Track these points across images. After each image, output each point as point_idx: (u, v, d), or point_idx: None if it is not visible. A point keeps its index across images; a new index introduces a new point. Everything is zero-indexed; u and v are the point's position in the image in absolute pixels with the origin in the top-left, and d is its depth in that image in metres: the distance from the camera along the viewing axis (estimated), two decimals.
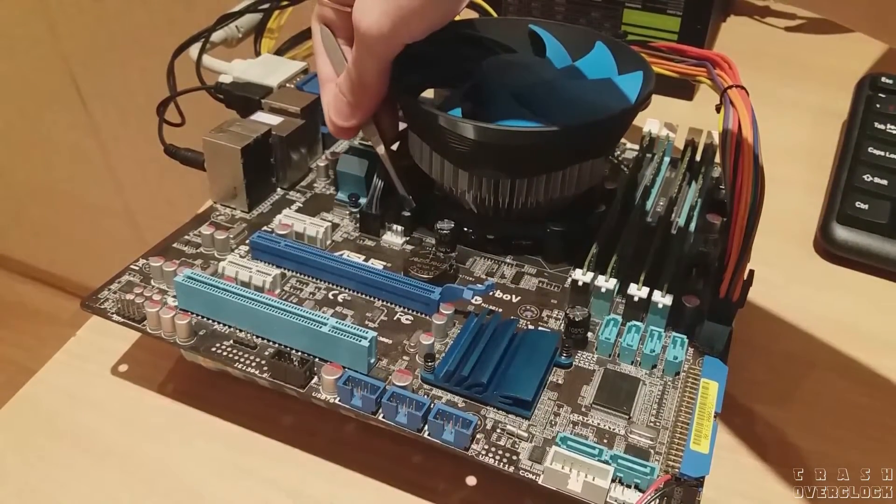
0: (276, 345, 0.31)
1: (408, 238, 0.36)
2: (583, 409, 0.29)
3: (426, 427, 0.27)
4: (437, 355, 0.30)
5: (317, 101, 0.40)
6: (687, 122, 0.42)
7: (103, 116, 1.08)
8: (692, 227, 0.35)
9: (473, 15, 0.44)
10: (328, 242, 0.36)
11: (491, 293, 0.34)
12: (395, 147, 0.36)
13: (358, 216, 0.37)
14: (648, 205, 0.37)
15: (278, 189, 0.40)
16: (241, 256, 0.35)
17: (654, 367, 0.31)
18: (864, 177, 0.43)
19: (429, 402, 0.28)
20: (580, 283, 0.32)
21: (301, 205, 0.39)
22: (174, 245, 0.36)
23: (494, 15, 0.44)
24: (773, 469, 0.31)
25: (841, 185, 0.43)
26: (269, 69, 0.43)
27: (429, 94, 0.41)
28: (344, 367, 0.29)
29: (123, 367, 0.34)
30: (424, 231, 0.37)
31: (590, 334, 0.32)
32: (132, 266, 0.34)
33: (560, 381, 0.30)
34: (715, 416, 0.28)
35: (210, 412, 0.32)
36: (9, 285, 1.36)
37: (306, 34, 0.43)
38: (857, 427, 0.32)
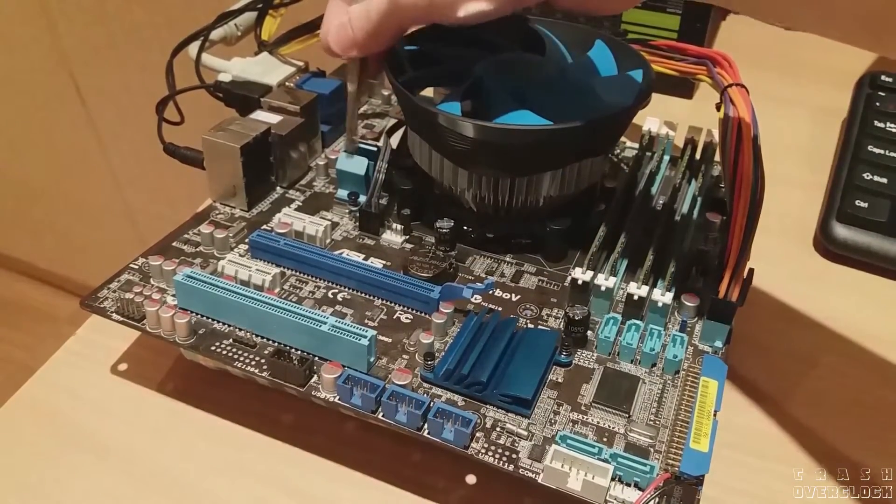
0: (276, 343, 0.30)
1: (407, 237, 0.36)
2: (582, 408, 0.29)
3: (426, 426, 0.27)
4: (436, 354, 0.30)
5: (316, 100, 0.40)
6: (687, 121, 0.42)
7: (103, 115, 1.07)
8: (692, 225, 0.35)
9: None
10: (328, 241, 0.36)
11: (490, 292, 0.34)
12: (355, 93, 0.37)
13: (357, 215, 0.37)
14: (648, 203, 0.37)
15: (278, 188, 0.40)
16: (240, 255, 0.35)
17: (654, 365, 0.31)
18: (864, 175, 0.43)
19: (428, 400, 0.28)
20: (580, 282, 0.32)
21: (300, 203, 0.39)
22: (173, 244, 0.36)
23: None
24: (773, 469, 0.31)
25: (841, 184, 0.43)
26: (269, 67, 0.43)
27: (428, 92, 0.41)
28: (343, 366, 0.29)
29: (123, 366, 0.34)
30: (424, 230, 0.37)
31: (589, 333, 0.32)
32: (131, 265, 0.34)
33: (560, 380, 0.30)
34: (714, 415, 0.28)
35: (210, 411, 0.32)
36: (9, 284, 1.36)
37: (304, 28, 0.43)
38: (857, 427, 0.32)
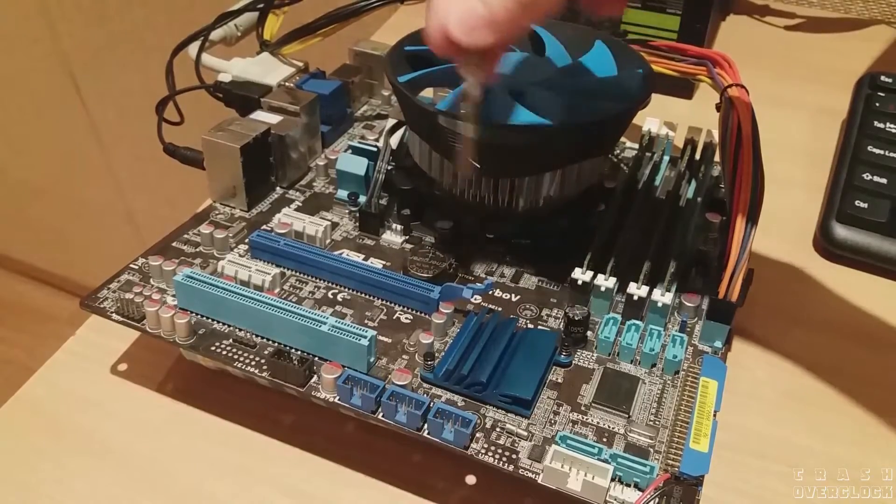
0: (276, 344, 0.30)
1: (407, 237, 0.36)
2: (582, 408, 0.29)
3: (426, 426, 0.27)
4: (436, 354, 0.30)
5: (316, 100, 0.40)
6: (686, 121, 0.42)
7: (103, 116, 1.07)
8: (692, 226, 0.35)
9: None
10: (328, 241, 0.36)
11: (490, 292, 0.34)
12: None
13: (357, 215, 0.37)
14: (648, 204, 0.37)
15: (277, 188, 0.40)
16: (240, 255, 0.35)
17: (654, 365, 0.31)
18: (864, 175, 0.43)
19: (428, 400, 0.28)
20: (580, 282, 0.32)
21: (300, 204, 0.39)
22: (173, 244, 0.36)
23: None
24: (773, 469, 0.31)
25: (840, 184, 0.43)
26: (269, 68, 0.43)
27: (428, 93, 0.41)
28: (343, 366, 0.29)
29: (123, 367, 0.34)
30: (424, 230, 0.37)
31: (589, 333, 0.32)
32: (131, 265, 0.34)
33: (559, 380, 0.30)
34: (714, 415, 0.28)
35: (210, 411, 0.32)
36: (8, 285, 1.36)
37: (305, 29, 0.43)
38: (857, 427, 0.32)
